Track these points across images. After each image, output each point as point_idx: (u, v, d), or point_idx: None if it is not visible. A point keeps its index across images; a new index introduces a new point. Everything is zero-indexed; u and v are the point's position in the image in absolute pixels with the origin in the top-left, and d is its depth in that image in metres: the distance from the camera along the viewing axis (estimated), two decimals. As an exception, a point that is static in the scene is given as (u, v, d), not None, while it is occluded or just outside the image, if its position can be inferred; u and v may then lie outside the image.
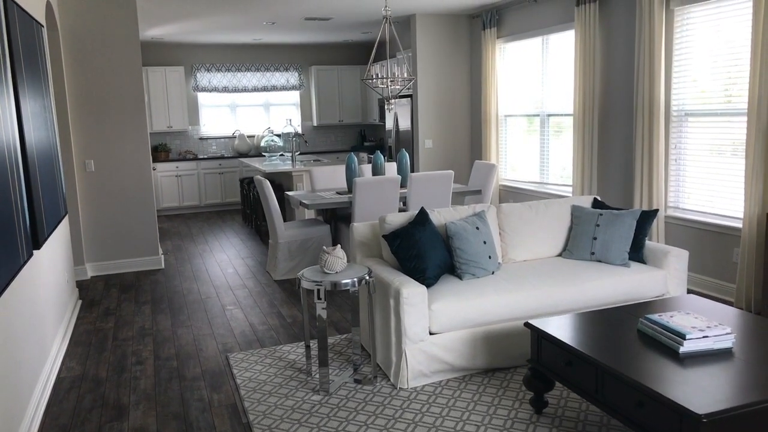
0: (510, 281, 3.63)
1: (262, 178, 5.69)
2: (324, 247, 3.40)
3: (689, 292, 4.82)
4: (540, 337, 2.90)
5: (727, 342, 2.57)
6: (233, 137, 10.67)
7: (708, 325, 2.61)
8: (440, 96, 8.08)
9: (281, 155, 9.14)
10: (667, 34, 5.00)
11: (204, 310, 4.96)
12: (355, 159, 5.94)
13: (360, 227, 3.97)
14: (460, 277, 3.68)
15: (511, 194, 7.49)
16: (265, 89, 10.73)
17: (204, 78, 10.37)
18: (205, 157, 10.22)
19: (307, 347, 3.60)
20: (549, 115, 6.81)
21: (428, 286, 3.48)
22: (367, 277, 3.37)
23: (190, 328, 4.52)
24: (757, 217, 4.27)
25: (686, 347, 2.52)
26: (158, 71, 9.82)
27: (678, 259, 3.89)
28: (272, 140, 9.45)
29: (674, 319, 2.68)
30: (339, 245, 3.40)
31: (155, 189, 9.51)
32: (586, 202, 4.35)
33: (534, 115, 7.05)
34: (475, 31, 7.94)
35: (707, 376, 2.33)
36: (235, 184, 10.29)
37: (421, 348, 3.35)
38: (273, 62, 10.78)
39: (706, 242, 4.87)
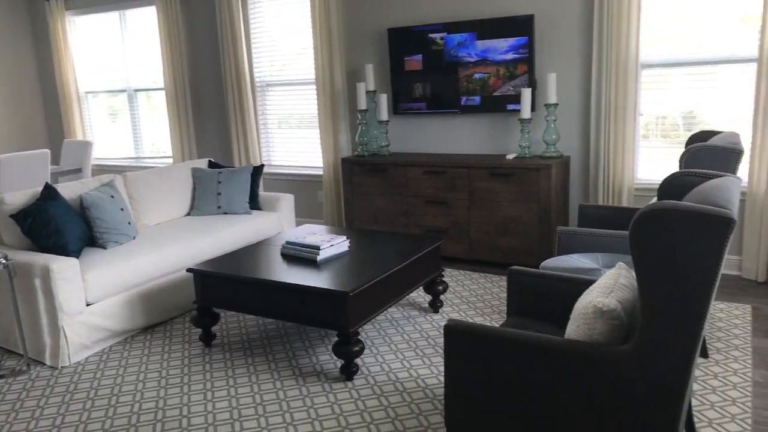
0: (154, 242, 3.82)
1: None
2: (-62, 237, 2.95)
3: (291, 232, 5.80)
4: (204, 278, 3.26)
5: (345, 246, 3.45)
6: None
7: (330, 238, 3.44)
8: (1, 74, 7.13)
9: None
10: (244, 15, 5.73)
11: None
12: None
13: (-34, 214, 3.50)
14: (104, 247, 3.68)
15: (106, 172, 7.28)
16: None
17: None
18: None
19: (-71, 357, 3.08)
20: (137, 90, 6.87)
21: (75, 258, 3.40)
22: (4, 261, 3.09)
23: None
24: (333, 165, 5.46)
25: (322, 255, 3.29)
26: None
27: (287, 203, 4.73)
28: None
29: (307, 239, 3.42)
30: (-40, 231, 3.00)
31: None
32: (203, 164, 4.79)
33: (120, 91, 6.99)
34: (37, 2, 7.25)
35: (340, 270, 3.14)
36: None
37: (80, 320, 3.29)
38: None
39: (297, 190, 5.91)
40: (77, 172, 5.88)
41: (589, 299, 1.90)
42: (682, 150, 3.53)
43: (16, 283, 3.26)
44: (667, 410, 1.73)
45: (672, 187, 2.19)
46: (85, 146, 6.09)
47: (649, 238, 1.58)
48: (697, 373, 2.83)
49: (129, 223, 3.86)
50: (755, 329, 3.30)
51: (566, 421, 1.86)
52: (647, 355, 1.70)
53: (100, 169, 7.34)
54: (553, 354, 1.84)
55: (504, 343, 1.92)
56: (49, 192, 3.57)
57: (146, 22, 6.58)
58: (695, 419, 2.45)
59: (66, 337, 3.22)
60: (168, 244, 3.81)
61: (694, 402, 2.59)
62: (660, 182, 3.33)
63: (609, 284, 1.97)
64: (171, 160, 6.71)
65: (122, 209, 3.85)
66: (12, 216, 3.37)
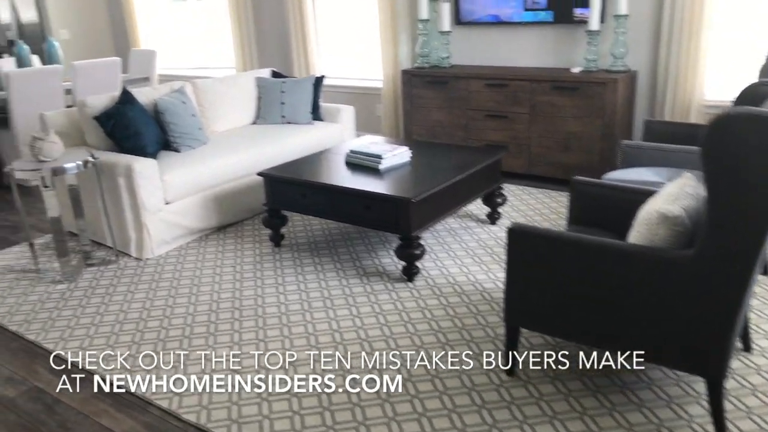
0: (225, 148, 4.00)
1: None
2: (33, 134, 3.18)
3: (349, 144, 5.90)
4: (273, 181, 3.44)
5: (406, 157, 3.54)
6: None
7: (392, 148, 3.53)
8: (68, -21, 7.27)
9: None
10: None
11: None
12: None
13: (54, 116, 3.76)
14: (177, 150, 3.89)
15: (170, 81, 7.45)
16: None
17: None
18: None
19: (31, 245, 3.42)
20: (198, -1, 6.91)
21: (153, 160, 3.61)
22: (92, 159, 3.33)
23: None
24: (392, 77, 5.46)
25: (384, 164, 3.39)
26: None
27: (347, 114, 4.82)
28: None
29: (370, 148, 3.52)
30: (52, 130, 3.22)
31: None
32: (266, 73, 4.88)
33: (182, -1, 7.05)
34: None
35: (403, 179, 3.25)
36: None
37: (160, 218, 3.54)
38: None
39: (354, 102, 5.95)
40: (145, 80, 6.06)
41: (654, 206, 1.96)
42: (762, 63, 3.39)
43: (102, 181, 3.51)
44: (723, 316, 1.81)
45: (749, 96, 2.17)
46: (150, 55, 6.24)
47: (722, 143, 1.60)
48: (757, 289, 2.88)
49: (200, 129, 4.04)
50: (818, 250, 3.28)
51: (622, 318, 1.97)
52: (709, 263, 1.77)
53: (165, 79, 7.52)
54: (616, 256, 1.92)
55: (567, 245, 2.01)
56: (126, 96, 3.75)
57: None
58: (751, 330, 2.52)
59: (149, 231, 3.49)
60: (238, 150, 3.99)
61: (751, 315, 2.66)
62: (735, 96, 3.24)
63: (674, 192, 2.02)
64: (234, 70, 6.81)
65: (193, 115, 4.02)
66: (95, 118, 3.58)
